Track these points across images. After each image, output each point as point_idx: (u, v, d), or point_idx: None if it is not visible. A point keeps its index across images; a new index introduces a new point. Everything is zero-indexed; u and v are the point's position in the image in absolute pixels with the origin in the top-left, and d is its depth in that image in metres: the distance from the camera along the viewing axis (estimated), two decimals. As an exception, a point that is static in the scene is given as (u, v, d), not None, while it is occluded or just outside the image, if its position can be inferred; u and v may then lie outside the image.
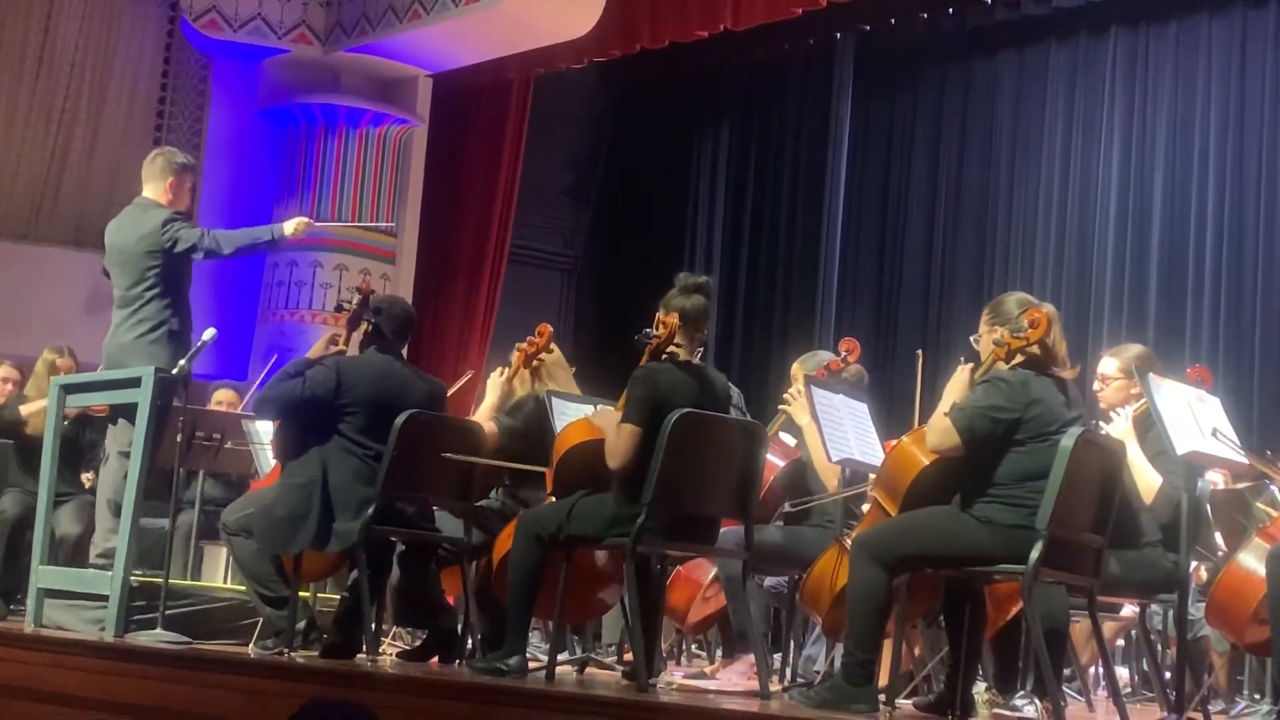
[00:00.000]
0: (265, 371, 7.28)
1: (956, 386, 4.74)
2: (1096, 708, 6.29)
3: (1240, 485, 6.36)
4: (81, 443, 7.31)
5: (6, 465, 7.29)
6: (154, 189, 6.55)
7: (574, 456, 5.19)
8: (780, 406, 6.05)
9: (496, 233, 12.09)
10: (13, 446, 7.28)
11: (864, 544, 4.61)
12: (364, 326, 5.73)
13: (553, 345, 6.01)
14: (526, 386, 6.02)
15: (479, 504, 5.83)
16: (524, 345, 5.98)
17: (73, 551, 6.87)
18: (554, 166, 13.50)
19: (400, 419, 5.42)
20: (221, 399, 8.08)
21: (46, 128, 11.15)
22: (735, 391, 6.62)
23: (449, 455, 5.46)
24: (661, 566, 5.40)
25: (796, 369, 6.25)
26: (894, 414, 6.76)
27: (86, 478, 7.39)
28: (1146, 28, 11.01)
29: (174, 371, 5.95)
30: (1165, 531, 4.94)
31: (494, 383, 6.01)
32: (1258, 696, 6.96)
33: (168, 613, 5.71)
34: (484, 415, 5.93)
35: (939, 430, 4.62)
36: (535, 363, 5.96)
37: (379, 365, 5.63)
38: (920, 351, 5.99)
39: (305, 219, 6.71)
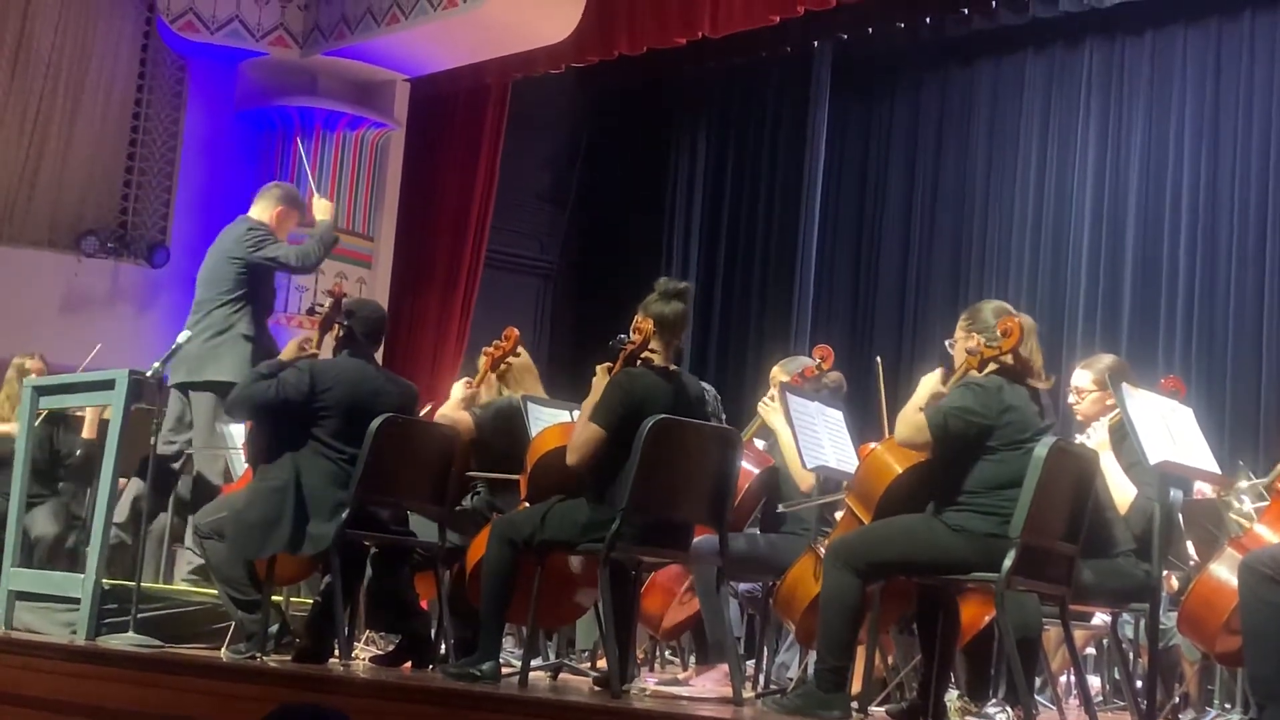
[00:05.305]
0: None
1: (928, 387, 4.75)
2: (1068, 716, 6.30)
3: (1215, 495, 6.38)
4: (57, 444, 7.27)
5: None
6: (261, 209, 6.70)
7: (548, 462, 5.18)
8: (759, 406, 6.05)
9: (473, 237, 12.06)
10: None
11: (838, 551, 4.61)
12: (336, 330, 5.72)
13: (519, 349, 5.97)
14: (493, 393, 5.99)
15: (457, 508, 5.81)
16: (490, 349, 5.95)
17: (48, 553, 6.83)
18: (531, 171, 13.48)
19: (375, 423, 5.40)
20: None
21: (21, 127, 11.08)
22: (712, 392, 6.62)
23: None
24: (636, 572, 5.40)
25: (777, 372, 6.25)
26: (869, 420, 6.77)
27: None
28: (1122, 38, 11.05)
29: (148, 374, 5.93)
30: (1138, 541, 4.96)
31: (459, 386, 6.00)
32: (1228, 706, 6.98)
33: (140, 616, 5.69)
34: (451, 408, 5.90)
35: (911, 425, 4.63)
36: (503, 367, 5.94)
37: (352, 368, 5.62)
38: (880, 359, 6.02)
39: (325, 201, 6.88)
